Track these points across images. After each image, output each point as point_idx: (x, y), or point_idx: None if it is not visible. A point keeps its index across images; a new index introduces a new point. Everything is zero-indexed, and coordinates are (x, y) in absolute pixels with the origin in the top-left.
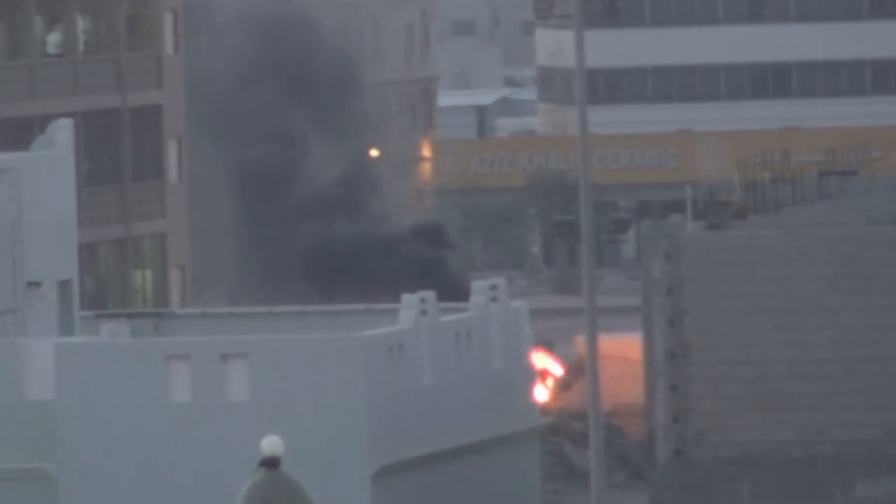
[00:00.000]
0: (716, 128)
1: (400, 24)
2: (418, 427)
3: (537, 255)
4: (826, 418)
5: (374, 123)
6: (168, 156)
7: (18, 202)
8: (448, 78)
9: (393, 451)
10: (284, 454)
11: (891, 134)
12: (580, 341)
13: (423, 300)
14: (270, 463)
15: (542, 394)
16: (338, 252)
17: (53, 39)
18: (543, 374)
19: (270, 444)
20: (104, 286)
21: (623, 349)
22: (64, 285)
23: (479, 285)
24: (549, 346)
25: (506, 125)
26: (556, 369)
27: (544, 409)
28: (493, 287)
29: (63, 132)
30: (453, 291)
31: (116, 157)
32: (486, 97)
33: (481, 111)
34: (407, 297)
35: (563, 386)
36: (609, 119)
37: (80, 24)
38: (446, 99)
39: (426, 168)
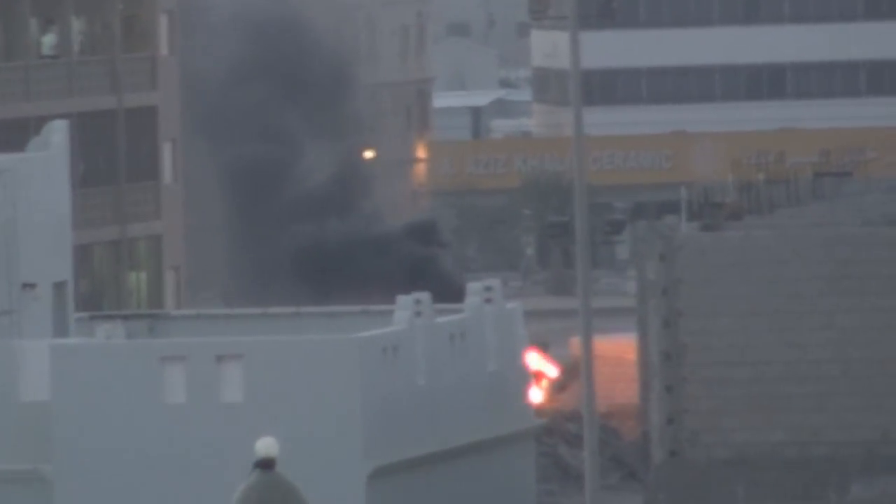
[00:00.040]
0: (711, 129)
1: (395, 25)
2: (413, 428)
3: (532, 257)
4: (821, 419)
5: (367, 124)
6: (163, 157)
7: (13, 203)
8: (443, 79)
9: (388, 453)
10: (279, 455)
11: (886, 135)
12: (575, 342)
13: (417, 301)
14: (265, 464)
15: (536, 395)
16: (330, 251)
17: (48, 41)
18: (538, 376)
19: (265, 445)
20: (99, 288)
21: (618, 350)
22: (59, 287)
23: (473, 286)
24: (543, 347)
25: (501, 126)
26: (551, 371)
27: (539, 411)
28: (488, 288)
29: (58, 133)
30: (445, 289)
31: (111, 158)
32: (481, 98)
33: (476, 112)
34: (402, 299)
35: (557, 387)
36: (604, 120)
37: (76, 25)
38: (441, 100)
39: (421, 169)
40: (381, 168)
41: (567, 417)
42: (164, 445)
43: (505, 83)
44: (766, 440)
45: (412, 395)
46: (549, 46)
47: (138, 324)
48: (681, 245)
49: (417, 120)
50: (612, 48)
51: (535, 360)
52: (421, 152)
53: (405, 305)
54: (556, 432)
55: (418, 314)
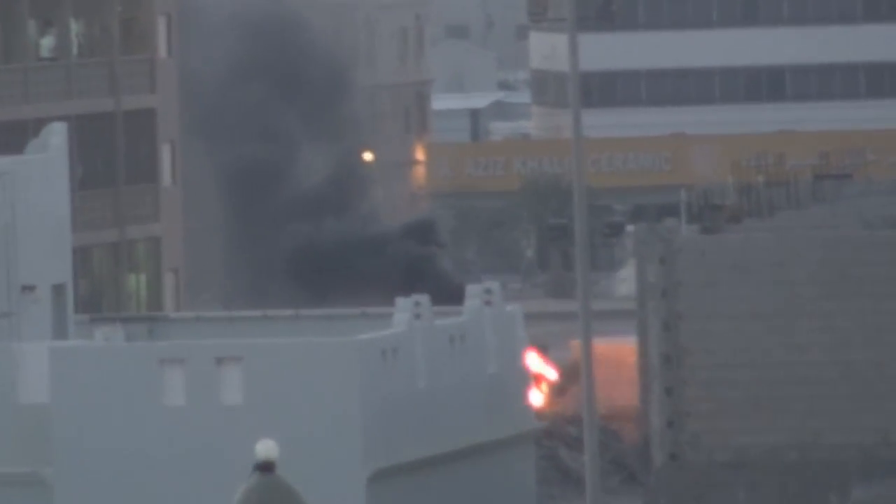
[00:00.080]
0: (710, 131)
1: (394, 28)
2: (413, 431)
3: (532, 259)
4: (821, 422)
5: (365, 125)
6: (162, 159)
7: (12, 206)
8: (442, 81)
9: (387, 455)
10: (279, 458)
11: (885, 137)
12: (575, 345)
13: (417, 304)
14: (265, 467)
15: (536, 398)
16: (326, 251)
17: (47, 43)
18: (538, 379)
19: (265, 447)
20: (98, 290)
21: (617, 353)
22: (58, 289)
23: (473, 289)
24: (543, 349)
25: (500, 128)
26: (551, 373)
27: (539, 414)
28: (488, 291)
29: (57, 136)
30: (442, 288)
31: (110, 160)
32: (480, 100)
33: (475, 114)
34: (401, 301)
35: (557, 390)
36: (603, 122)
37: (74, 27)
38: (440, 102)
39: (420, 171)
40: (379, 170)
41: (567, 420)
42: (164, 448)
43: (504, 85)
44: (767, 443)
45: (412, 397)
46: (548, 48)
47: (137, 326)
48: (680, 247)
49: (416, 122)
50: (611, 50)
51: (534, 362)
52: (420, 154)
53: (404, 308)
54: (556, 435)
55: (418, 316)
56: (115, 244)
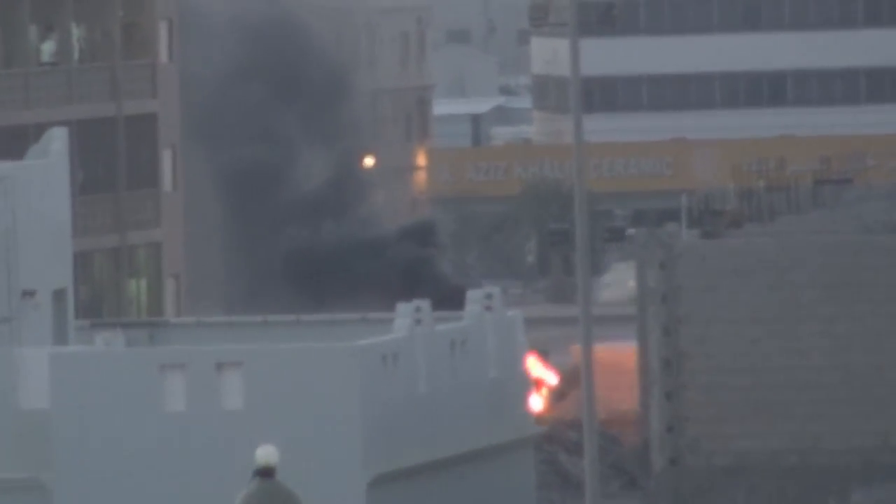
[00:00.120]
0: (711, 136)
1: (395, 32)
2: (413, 436)
3: (534, 263)
4: (821, 427)
5: (365, 129)
6: (163, 164)
7: (13, 211)
8: (443, 86)
9: (388, 461)
10: (279, 464)
11: (885, 142)
12: (576, 350)
13: (417, 309)
14: (265, 472)
15: (536, 403)
16: (324, 254)
17: (48, 48)
18: (538, 383)
19: (265, 453)
20: (99, 295)
21: (618, 358)
22: (58, 294)
23: (474, 294)
24: (544, 354)
25: (501, 133)
26: (551, 378)
27: (539, 419)
28: (488, 296)
29: (58, 141)
30: (439, 290)
31: (111, 165)
32: (481, 105)
33: (476, 119)
34: (402, 306)
35: (557, 395)
36: (604, 127)
37: (75, 32)
38: (441, 107)
39: (421, 176)
40: (381, 175)
41: (567, 425)
42: (164, 453)
43: (505, 90)
44: (767, 447)
45: (412, 402)
46: (550, 53)
47: (138, 331)
48: (681, 252)
49: (417, 127)
50: (612, 55)
51: (535, 367)
52: (421, 159)
53: (405, 313)
54: (556, 440)
55: (418, 322)
56: (115, 249)
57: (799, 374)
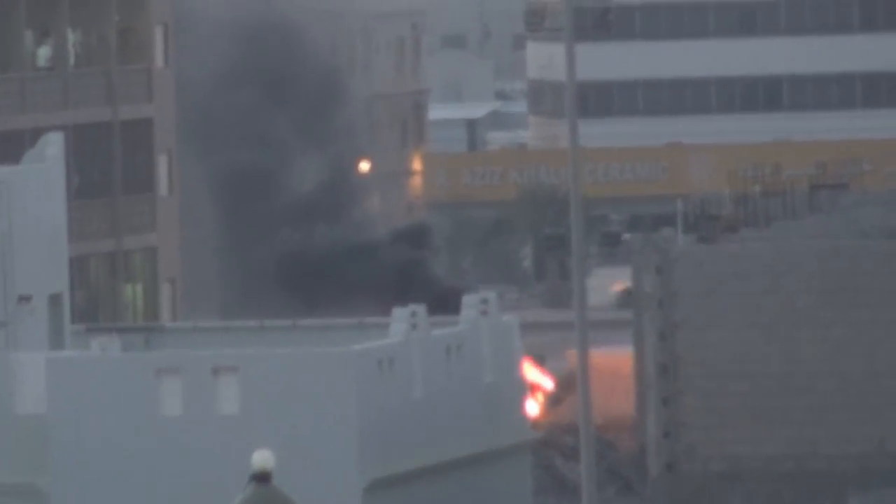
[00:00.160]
0: (706, 141)
1: (390, 37)
2: (409, 441)
3: (529, 268)
4: (817, 432)
5: (359, 133)
6: (158, 169)
7: (9, 216)
8: (438, 91)
9: (384, 465)
10: (275, 468)
11: (881, 147)
12: (572, 355)
13: (413, 314)
14: (261, 477)
15: (533, 408)
16: (316, 257)
17: (44, 53)
18: (534, 388)
19: (261, 458)
20: (95, 300)
21: (613, 363)
22: (54, 299)
23: (469, 299)
24: (539, 359)
25: (496, 138)
26: (547, 383)
27: (535, 423)
28: (484, 301)
29: (53, 146)
30: (432, 291)
31: (107, 170)
32: (477, 110)
33: (472, 124)
34: (397, 311)
35: (553, 400)
36: (600, 132)
37: (71, 37)
38: (437, 112)
39: (417, 181)
40: (376, 180)
41: (563, 430)
42: (161, 458)
43: (501, 95)
44: (763, 453)
45: (408, 407)
46: (545, 58)
47: (134, 336)
48: (677, 257)
49: (413, 132)
50: (607, 60)
51: (530, 372)
52: (416, 164)
53: (401, 318)
54: (552, 445)
55: (414, 327)
56: (111, 254)
57: (795, 380)
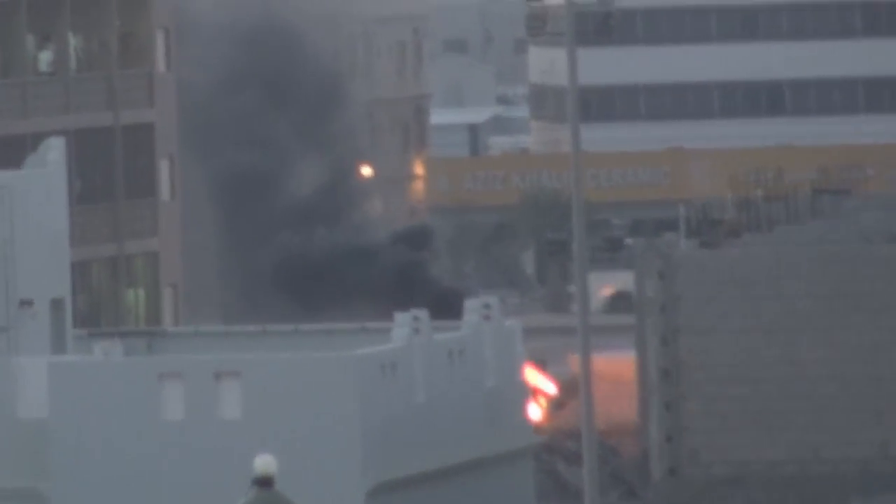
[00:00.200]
0: (708, 146)
1: (392, 42)
2: (412, 445)
3: (531, 274)
4: (820, 437)
5: (359, 136)
6: (160, 174)
7: (10, 220)
8: (440, 96)
9: (386, 470)
10: (278, 473)
11: (884, 152)
12: (574, 360)
13: (416, 318)
14: (263, 482)
15: (535, 412)
16: (316, 260)
17: (45, 57)
18: (535, 393)
19: (264, 463)
20: (97, 305)
21: (615, 368)
22: (56, 304)
23: (472, 304)
24: (542, 364)
25: (498, 143)
26: (549, 388)
27: (538, 428)
28: (486, 305)
29: (55, 150)
30: (432, 293)
31: (109, 175)
32: (479, 115)
33: (474, 129)
34: (399, 316)
35: (555, 405)
36: (602, 137)
37: (72, 41)
38: (438, 117)
39: (419, 186)
40: (378, 185)
41: (566, 435)
42: (163, 463)
43: (502, 100)
44: (765, 457)
45: (411, 412)
46: (547, 63)
47: (136, 341)
48: (679, 262)
49: (415, 137)
50: (609, 65)
51: (532, 377)
52: (418, 169)
53: (403, 322)
54: (554, 450)
55: (416, 331)
56: (113, 259)
57: (797, 384)
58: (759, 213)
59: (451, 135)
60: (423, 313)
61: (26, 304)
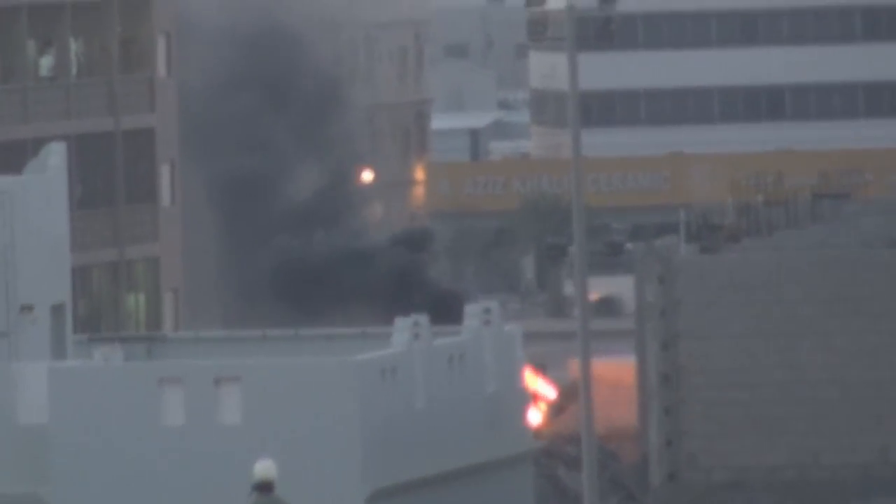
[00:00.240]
0: (709, 150)
1: (393, 47)
2: (411, 451)
3: (531, 279)
4: (820, 442)
5: (359, 140)
6: (161, 179)
7: (11, 226)
8: (441, 101)
9: (386, 475)
10: (278, 478)
11: (884, 156)
12: (574, 365)
13: (416, 323)
14: (264, 487)
15: (535, 417)
16: (314, 263)
17: (46, 62)
18: (535, 398)
19: (264, 468)
20: (97, 310)
21: (616, 372)
22: (57, 309)
23: (472, 308)
24: (541, 369)
25: (499, 148)
26: (549, 392)
27: (538, 433)
28: (486, 310)
29: (56, 155)
30: (430, 295)
31: (109, 180)
32: (480, 120)
33: (474, 134)
34: (400, 321)
35: (555, 410)
36: (602, 142)
37: (73, 46)
38: (439, 122)
39: (419, 191)
40: (379, 189)
41: (566, 440)
42: (163, 468)
43: (503, 105)
44: (765, 462)
45: (411, 417)
46: (548, 68)
47: (136, 346)
48: (679, 267)
49: (416, 142)
50: (610, 70)
51: (532, 382)
52: (419, 174)
53: (403, 327)
54: (554, 454)
55: (417, 336)
56: (114, 264)
57: (797, 389)
58: (759, 217)
59: (451, 140)
60: (423, 318)
61: (27, 309)
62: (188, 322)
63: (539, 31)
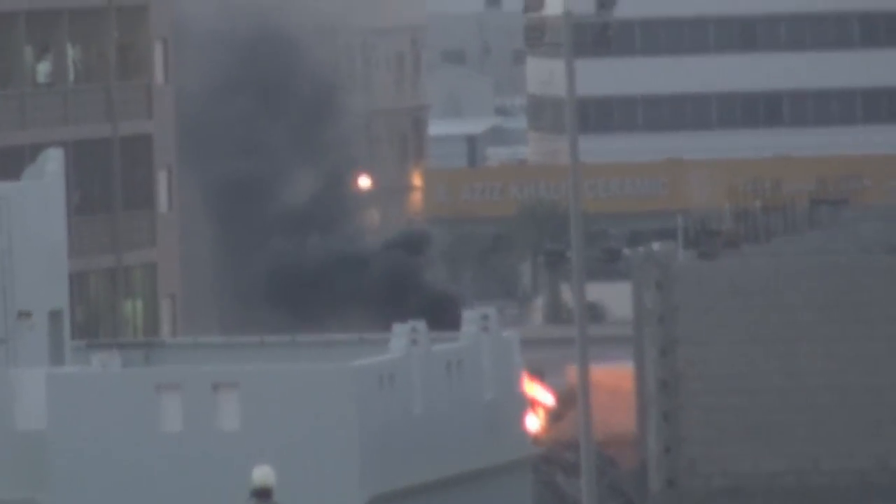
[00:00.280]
0: (707, 156)
1: (390, 53)
2: (409, 457)
3: (529, 285)
4: (819, 448)
5: (355, 146)
6: (158, 185)
7: (9, 232)
8: (438, 107)
9: (384, 481)
10: (276, 484)
11: (882, 162)
12: (572, 371)
13: (414, 329)
14: (262, 493)
15: (533, 424)
16: (309, 267)
17: (44, 68)
18: (534, 404)
19: (262, 474)
20: (95, 316)
21: (615, 378)
22: (54, 315)
23: (470, 315)
24: (539, 375)
25: (496, 154)
26: (547, 399)
27: (536, 439)
28: (484, 317)
29: (53, 161)
30: (425, 297)
31: (107, 186)
32: (477, 126)
33: (472, 140)
34: (398, 327)
35: (553, 416)
36: (600, 148)
37: (71, 53)
38: (437, 128)
39: (417, 197)
40: (376, 195)
41: (564, 446)
42: (161, 474)
43: (500, 111)
44: (764, 468)
45: (408, 423)
46: (545, 74)
47: (134, 352)
48: (677, 273)
49: (413, 148)
50: (607, 76)
51: (530, 388)
52: (416, 180)
53: (401, 333)
54: (553, 461)
55: (414, 342)
56: (111, 270)
57: (796, 396)
58: (757, 223)
59: (449, 146)
60: (421, 325)
61: (24, 315)
62: (186, 328)
63: (536, 37)
